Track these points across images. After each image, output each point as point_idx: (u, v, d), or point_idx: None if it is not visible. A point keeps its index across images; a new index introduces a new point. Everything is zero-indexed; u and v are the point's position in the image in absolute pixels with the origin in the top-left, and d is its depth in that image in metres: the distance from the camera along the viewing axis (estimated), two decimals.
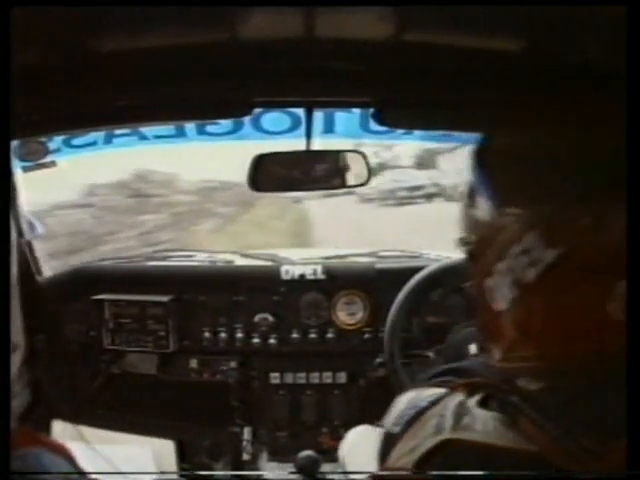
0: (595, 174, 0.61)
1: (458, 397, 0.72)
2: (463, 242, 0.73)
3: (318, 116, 1.89)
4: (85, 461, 0.73)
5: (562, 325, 0.63)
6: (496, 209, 0.66)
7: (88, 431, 2.01)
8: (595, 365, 0.61)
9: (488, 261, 0.67)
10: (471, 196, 0.71)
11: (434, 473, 0.66)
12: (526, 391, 0.66)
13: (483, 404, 0.69)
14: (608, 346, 0.61)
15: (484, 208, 0.68)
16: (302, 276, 2.11)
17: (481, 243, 0.69)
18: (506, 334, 0.67)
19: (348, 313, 2.11)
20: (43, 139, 1.84)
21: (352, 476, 1.49)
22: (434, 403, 0.77)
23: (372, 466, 1.29)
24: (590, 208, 0.60)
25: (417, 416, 0.77)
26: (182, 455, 2.16)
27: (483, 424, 0.66)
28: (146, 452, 2.07)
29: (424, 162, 21.04)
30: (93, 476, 0.73)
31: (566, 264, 0.61)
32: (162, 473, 2.04)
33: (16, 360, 0.62)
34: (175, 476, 2.11)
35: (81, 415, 2.12)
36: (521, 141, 0.68)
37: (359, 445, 1.61)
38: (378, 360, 2.01)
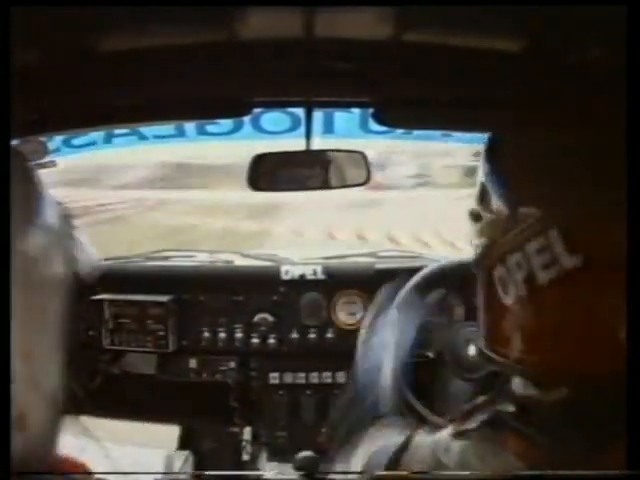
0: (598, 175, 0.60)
1: (426, 437, 0.71)
2: (474, 216, 0.70)
3: (318, 116, 1.89)
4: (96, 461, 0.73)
5: (566, 334, 0.60)
6: (512, 205, 0.64)
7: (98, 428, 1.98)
8: (593, 381, 0.58)
9: (500, 249, 0.64)
10: (483, 193, 0.68)
11: (434, 473, 0.66)
12: (520, 398, 0.65)
13: (457, 435, 0.67)
14: (612, 366, 0.58)
15: (498, 204, 0.65)
16: (302, 276, 2.11)
17: (494, 230, 0.66)
18: (507, 329, 0.65)
19: (348, 313, 2.11)
20: (43, 139, 1.84)
21: (352, 476, 1.49)
22: (404, 447, 0.75)
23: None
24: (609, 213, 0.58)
25: (395, 461, 0.75)
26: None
27: (459, 456, 0.64)
28: (157, 455, 2.07)
29: None
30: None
31: (584, 273, 0.58)
32: (162, 473, 2.04)
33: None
34: (175, 476, 2.10)
35: (80, 415, 2.11)
36: (529, 140, 0.67)
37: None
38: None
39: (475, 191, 0.70)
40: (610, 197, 0.58)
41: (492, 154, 0.69)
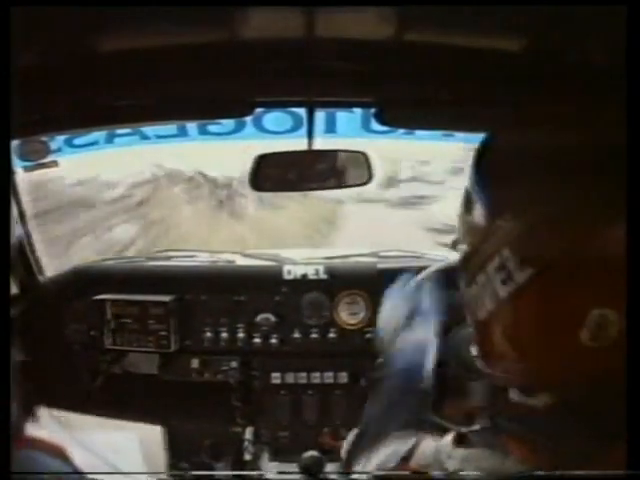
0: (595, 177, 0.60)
1: (431, 442, 0.72)
2: (454, 245, 0.73)
3: (319, 116, 1.89)
4: (76, 453, 0.73)
5: (531, 343, 0.64)
6: (487, 215, 0.65)
7: (72, 417, 1.97)
8: (573, 385, 0.61)
9: (472, 270, 0.67)
10: (468, 200, 0.70)
11: (434, 473, 0.66)
12: (515, 404, 0.66)
13: (460, 442, 0.69)
14: (576, 371, 0.61)
15: (477, 213, 0.67)
16: (304, 276, 2.11)
17: (470, 250, 0.69)
18: (488, 342, 0.69)
19: (350, 313, 2.10)
20: (45, 138, 1.84)
21: (354, 476, 1.49)
22: (411, 453, 0.76)
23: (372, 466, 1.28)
24: (584, 217, 0.59)
25: (400, 465, 0.77)
26: (170, 442, 2.15)
27: (462, 463, 0.66)
28: (132, 438, 2.06)
29: None
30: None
31: (536, 287, 0.60)
32: (162, 473, 2.04)
33: None
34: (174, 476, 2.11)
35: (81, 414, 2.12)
36: (519, 142, 0.68)
37: None
38: (379, 360, 2.01)
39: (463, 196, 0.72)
40: (576, 199, 0.60)
41: (480, 159, 0.70)
